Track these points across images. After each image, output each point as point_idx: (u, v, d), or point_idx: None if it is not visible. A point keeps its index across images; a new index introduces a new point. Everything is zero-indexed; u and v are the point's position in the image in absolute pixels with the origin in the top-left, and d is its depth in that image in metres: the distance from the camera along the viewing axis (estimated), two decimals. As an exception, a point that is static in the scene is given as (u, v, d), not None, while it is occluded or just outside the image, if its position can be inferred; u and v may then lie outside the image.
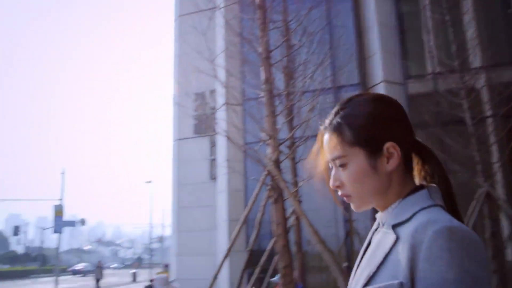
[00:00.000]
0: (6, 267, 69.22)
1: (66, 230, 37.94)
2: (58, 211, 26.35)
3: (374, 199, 1.12)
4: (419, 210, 1.03)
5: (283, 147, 7.17)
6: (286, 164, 7.73)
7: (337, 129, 1.12)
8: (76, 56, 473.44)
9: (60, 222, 26.91)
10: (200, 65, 7.76)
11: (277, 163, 6.39)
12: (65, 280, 37.92)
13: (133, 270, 43.82)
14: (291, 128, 8.06)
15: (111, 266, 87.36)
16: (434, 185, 1.12)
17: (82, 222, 36.61)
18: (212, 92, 11.74)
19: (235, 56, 8.92)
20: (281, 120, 7.32)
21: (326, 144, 1.15)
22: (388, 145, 1.08)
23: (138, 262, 66.03)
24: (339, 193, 1.15)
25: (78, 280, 44.69)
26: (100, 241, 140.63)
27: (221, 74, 8.15)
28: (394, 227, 1.04)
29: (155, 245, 63.20)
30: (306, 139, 8.06)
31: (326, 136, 1.16)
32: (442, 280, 0.89)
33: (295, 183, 8.62)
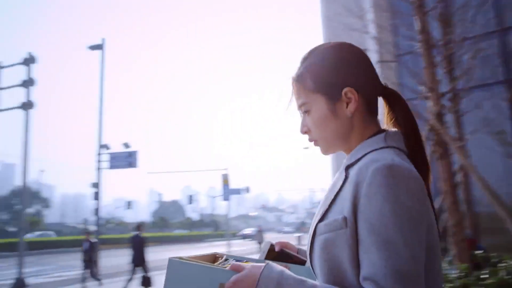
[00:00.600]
0: (184, 232, 76.75)
1: (233, 198, 40.44)
2: (225, 180, 28.20)
3: (338, 143, 1.19)
4: (370, 152, 1.09)
5: (444, 101, 6.72)
6: (448, 119, 7.24)
7: (300, 78, 1.20)
8: (228, 24, 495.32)
9: (227, 191, 28.83)
10: (349, 23, 7.57)
11: (439, 116, 6.04)
12: (236, 244, 40.79)
13: (298, 234, 45.46)
14: (452, 79, 7.49)
15: (283, 230, 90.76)
16: (395, 129, 1.18)
17: (247, 190, 38.77)
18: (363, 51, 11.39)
19: (385, 9, 8.53)
20: (440, 71, 6.85)
21: (294, 93, 1.23)
22: (346, 90, 1.14)
23: (303, 226, 68.15)
24: (308, 138, 1.23)
25: (247, 243, 47.67)
26: (264, 207, 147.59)
27: (372, 30, 7.87)
28: (347, 168, 1.11)
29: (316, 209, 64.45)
30: (469, 90, 7.46)
31: (293, 85, 1.23)
32: (379, 213, 0.96)
33: (460, 137, 8.05)
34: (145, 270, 11.68)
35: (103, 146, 20.66)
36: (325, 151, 1.23)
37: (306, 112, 1.21)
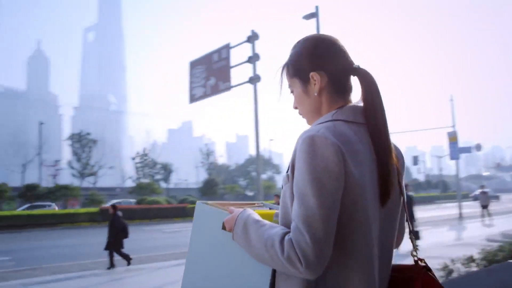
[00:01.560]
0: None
1: (462, 156, 37.66)
2: (452, 137, 26.57)
3: (313, 117, 1.49)
4: (317, 124, 1.37)
5: None
6: None
7: (285, 66, 1.54)
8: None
9: (455, 149, 27.13)
10: None
11: None
12: (467, 206, 38.23)
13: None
14: None
15: None
16: (354, 104, 1.44)
17: (478, 147, 35.83)
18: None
19: None
20: None
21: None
22: (312, 74, 1.44)
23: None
24: (298, 113, 1.56)
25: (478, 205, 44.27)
26: (498, 166, 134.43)
27: None
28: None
29: None
30: None
31: (283, 72, 1.57)
32: (300, 172, 1.26)
33: None
34: (413, 225, 12.66)
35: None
36: (308, 123, 1.53)
37: (292, 92, 1.54)
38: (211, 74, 17.85)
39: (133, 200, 44.35)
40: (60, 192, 44.15)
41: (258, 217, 1.38)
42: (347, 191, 1.26)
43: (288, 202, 1.34)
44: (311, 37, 1.51)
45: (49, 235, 24.23)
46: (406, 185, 11.92)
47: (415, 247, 1.47)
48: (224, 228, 1.48)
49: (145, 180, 60.80)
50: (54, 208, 37.45)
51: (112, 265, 11.14)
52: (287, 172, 1.36)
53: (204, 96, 18.26)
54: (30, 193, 42.85)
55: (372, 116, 1.39)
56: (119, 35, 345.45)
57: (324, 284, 1.28)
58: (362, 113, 1.40)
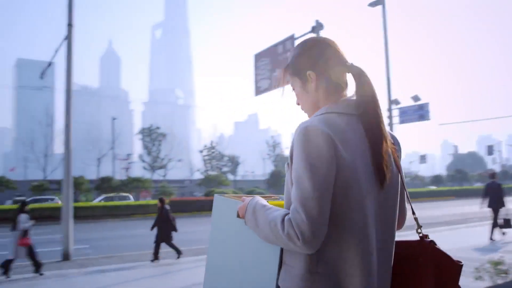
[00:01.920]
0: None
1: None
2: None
3: (312, 112, 1.66)
4: (313, 117, 1.53)
5: None
6: None
7: (287, 66, 1.72)
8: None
9: (534, 137, 25.50)
10: None
11: None
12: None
13: None
14: None
15: None
16: (347, 98, 1.60)
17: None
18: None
19: None
20: None
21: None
22: (308, 72, 1.62)
23: None
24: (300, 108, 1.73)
25: None
26: None
27: None
28: None
29: None
30: None
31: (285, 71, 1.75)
32: (296, 159, 1.43)
33: None
34: (497, 214, 12.59)
35: (393, 102, 20.70)
36: (308, 117, 1.66)
37: (293, 90, 1.72)
38: (276, 66, 17.82)
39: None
40: (132, 185, 45.95)
41: (265, 202, 1.56)
42: (339, 174, 1.42)
43: (290, 187, 1.51)
44: (308, 40, 1.70)
45: (123, 225, 25.33)
46: (493, 174, 11.39)
47: (419, 226, 1.60)
48: (238, 216, 1.65)
49: (213, 173, 62.02)
50: (57, 202, 36.94)
51: (179, 253, 11.46)
52: (287, 161, 1.53)
53: (270, 88, 18.26)
54: (105, 185, 44.89)
55: (363, 107, 1.55)
56: (185, 31, 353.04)
57: (324, 258, 1.43)
58: (354, 105, 1.56)
